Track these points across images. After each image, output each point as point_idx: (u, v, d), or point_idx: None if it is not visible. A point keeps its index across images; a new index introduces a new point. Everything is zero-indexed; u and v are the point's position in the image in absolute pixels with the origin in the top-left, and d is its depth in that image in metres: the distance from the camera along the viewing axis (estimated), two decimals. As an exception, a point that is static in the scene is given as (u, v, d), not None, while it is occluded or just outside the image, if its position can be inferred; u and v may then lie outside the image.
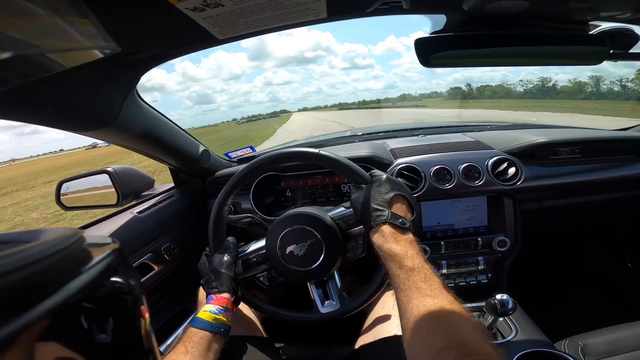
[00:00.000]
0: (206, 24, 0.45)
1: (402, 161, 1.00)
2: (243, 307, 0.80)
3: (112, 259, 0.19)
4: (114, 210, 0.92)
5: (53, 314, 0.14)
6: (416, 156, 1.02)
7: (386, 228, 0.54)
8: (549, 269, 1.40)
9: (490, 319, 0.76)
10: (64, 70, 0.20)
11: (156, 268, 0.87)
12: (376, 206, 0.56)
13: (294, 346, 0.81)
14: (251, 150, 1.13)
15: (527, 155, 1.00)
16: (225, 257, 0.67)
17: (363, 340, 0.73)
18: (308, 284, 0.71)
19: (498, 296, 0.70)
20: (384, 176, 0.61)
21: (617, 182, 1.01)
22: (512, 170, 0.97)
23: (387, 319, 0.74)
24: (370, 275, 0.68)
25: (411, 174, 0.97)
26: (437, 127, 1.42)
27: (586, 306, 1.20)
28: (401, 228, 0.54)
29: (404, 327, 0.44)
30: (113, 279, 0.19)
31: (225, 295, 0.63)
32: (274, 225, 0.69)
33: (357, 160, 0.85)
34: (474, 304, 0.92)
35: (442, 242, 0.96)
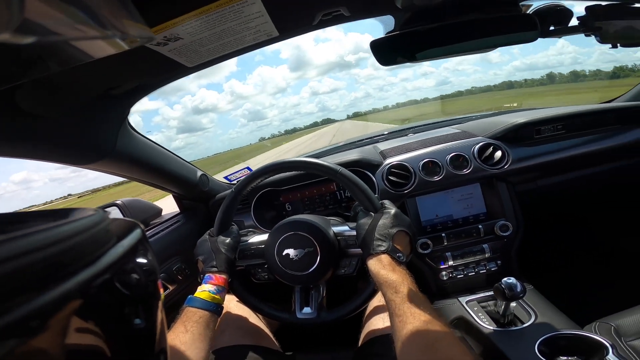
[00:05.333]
0: (173, 56, 0.50)
1: (390, 160, 1.04)
2: (254, 317, 0.81)
3: (136, 239, 0.19)
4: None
5: (76, 292, 0.14)
6: (405, 154, 1.06)
7: (385, 257, 0.58)
8: (562, 250, 1.35)
9: (502, 305, 0.75)
10: (60, 105, 0.19)
11: (170, 287, 0.90)
12: (379, 236, 0.60)
13: (303, 354, 0.80)
14: (248, 171, 1.18)
15: (511, 137, 1.02)
16: (228, 240, 0.70)
17: (363, 339, 0.73)
18: (294, 287, 0.73)
19: (504, 280, 0.69)
20: (393, 210, 0.64)
21: (607, 152, 1.01)
22: (498, 154, 1.00)
23: (383, 315, 0.74)
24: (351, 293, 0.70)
25: (401, 171, 1.01)
26: (425, 125, 1.47)
27: (610, 286, 1.14)
28: (397, 261, 0.58)
29: (399, 351, 0.46)
30: (137, 259, 0.19)
31: (223, 275, 0.65)
32: (278, 225, 0.73)
33: (346, 164, 0.88)
34: (487, 293, 0.90)
35: (443, 234, 0.96)
